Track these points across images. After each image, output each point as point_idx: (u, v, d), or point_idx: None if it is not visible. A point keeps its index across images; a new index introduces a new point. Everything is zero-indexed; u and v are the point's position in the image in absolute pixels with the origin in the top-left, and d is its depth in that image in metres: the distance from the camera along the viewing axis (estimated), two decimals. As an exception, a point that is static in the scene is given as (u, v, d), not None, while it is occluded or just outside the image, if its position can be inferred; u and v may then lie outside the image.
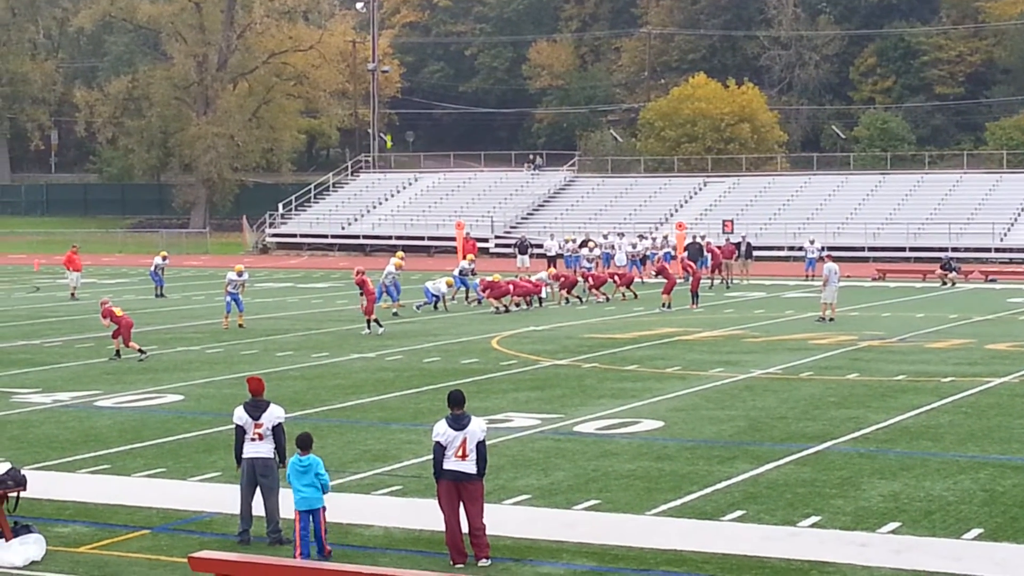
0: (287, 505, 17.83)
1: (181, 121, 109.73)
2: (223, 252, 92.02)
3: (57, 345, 39.72)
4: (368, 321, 41.92)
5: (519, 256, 68.33)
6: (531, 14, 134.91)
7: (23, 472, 17.76)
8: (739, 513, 18.79)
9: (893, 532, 17.78)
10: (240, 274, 44.28)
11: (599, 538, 17.73)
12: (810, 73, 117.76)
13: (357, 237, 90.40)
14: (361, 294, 42.74)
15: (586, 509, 19.23)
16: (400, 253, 56.37)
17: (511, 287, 49.43)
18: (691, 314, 47.46)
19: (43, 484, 19.75)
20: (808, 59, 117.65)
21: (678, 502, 19.49)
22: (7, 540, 17.09)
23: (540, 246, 71.11)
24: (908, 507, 18.97)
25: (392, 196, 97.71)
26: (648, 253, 65.08)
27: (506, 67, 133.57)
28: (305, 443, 17.28)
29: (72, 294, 55.94)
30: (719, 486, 20.38)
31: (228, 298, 43.87)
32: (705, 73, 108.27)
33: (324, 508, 17.17)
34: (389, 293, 48.13)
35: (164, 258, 58.83)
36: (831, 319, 43.81)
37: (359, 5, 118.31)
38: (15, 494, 17.44)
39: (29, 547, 17.01)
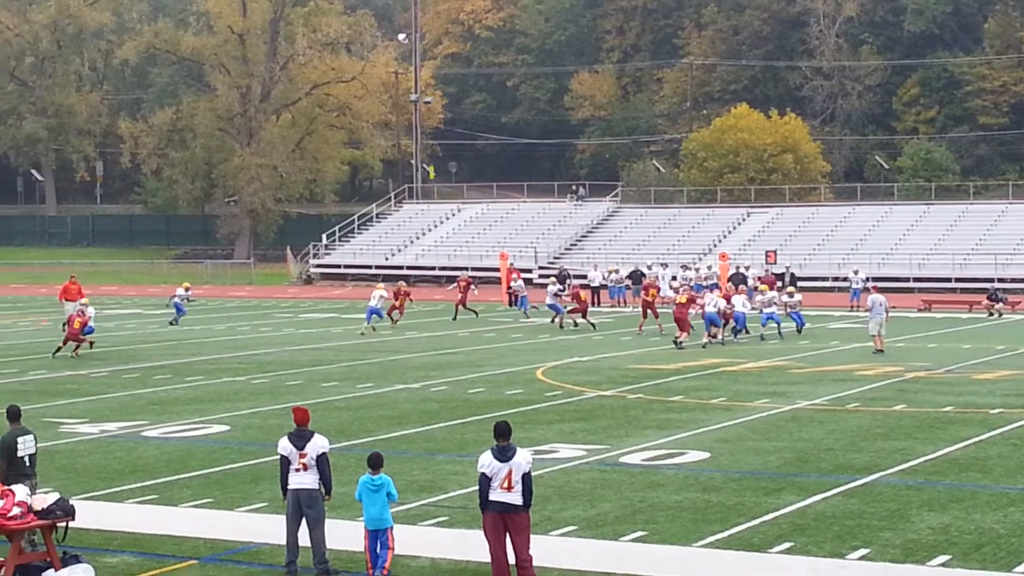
0: (335, 535, 17.86)
1: (225, 152, 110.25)
2: (267, 283, 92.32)
3: (103, 375, 39.87)
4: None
5: (558, 286, 68.24)
6: (573, 45, 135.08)
7: (71, 502, 17.82)
8: (787, 545, 18.68)
9: (943, 565, 17.63)
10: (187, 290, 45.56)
11: (647, 569, 17.65)
12: (853, 103, 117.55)
13: (401, 268, 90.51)
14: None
15: (633, 540, 19.16)
16: (380, 284, 59.91)
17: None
18: (736, 345, 47.31)
19: (91, 514, 19.78)
20: (851, 89, 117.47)
21: (725, 534, 19.39)
22: (56, 570, 17.13)
23: (584, 276, 71.10)
24: (958, 540, 18.83)
25: (435, 227, 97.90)
26: (692, 284, 64.92)
27: (548, 98, 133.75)
28: (376, 462, 17.35)
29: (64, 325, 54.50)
30: (766, 518, 20.27)
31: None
32: (747, 103, 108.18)
33: (392, 528, 17.25)
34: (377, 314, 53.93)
35: (187, 289, 59.45)
36: (873, 351, 43.55)
37: (401, 36, 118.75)
38: (64, 524, 17.47)
39: (78, 577, 17.06)
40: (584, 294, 56.50)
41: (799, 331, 50.87)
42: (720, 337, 47.72)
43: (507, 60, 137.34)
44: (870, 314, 44.45)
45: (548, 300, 56.73)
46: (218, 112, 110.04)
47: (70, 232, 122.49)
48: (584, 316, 54.91)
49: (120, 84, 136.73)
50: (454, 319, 58.85)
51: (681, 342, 46.21)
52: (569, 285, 57.77)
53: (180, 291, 58.76)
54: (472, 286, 62.97)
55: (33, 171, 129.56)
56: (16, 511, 17.02)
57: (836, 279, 75.47)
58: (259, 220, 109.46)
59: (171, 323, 56.98)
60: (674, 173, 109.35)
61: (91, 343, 45.33)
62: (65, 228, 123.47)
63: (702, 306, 48.27)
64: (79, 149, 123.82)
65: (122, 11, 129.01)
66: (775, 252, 76.52)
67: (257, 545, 19.17)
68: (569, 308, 55.42)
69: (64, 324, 52.88)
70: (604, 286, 68.79)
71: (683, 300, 47.91)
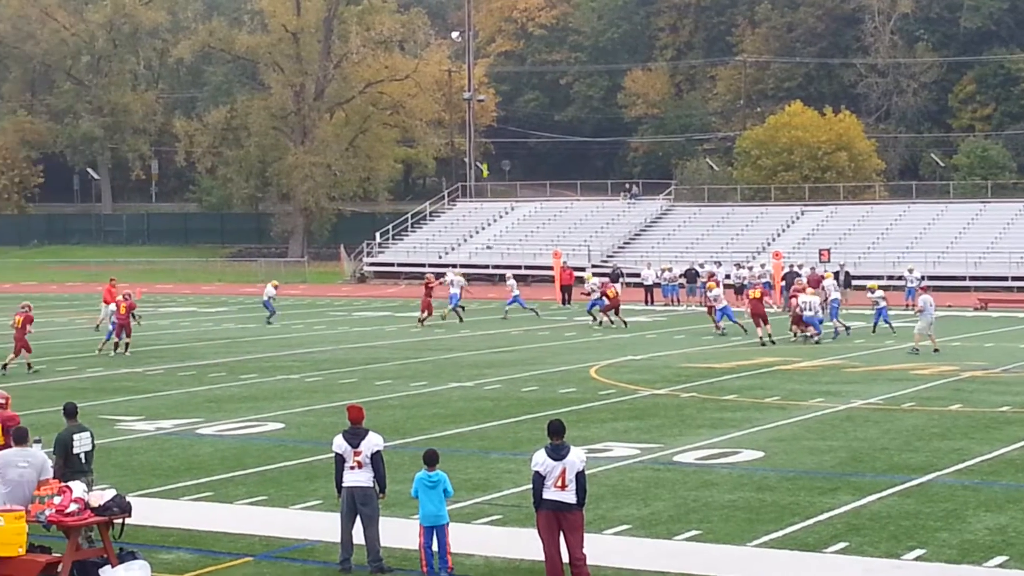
0: (389, 533, 17.91)
1: (279, 150, 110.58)
2: (321, 281, 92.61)
3: (159, 373, 40.10)
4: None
5: (612, 285, 68.21)
6: (626, 43, 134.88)
7: (128, 499, 17.93)
8: (842, 545, 18.61)
9: (1000, 566, 17.53)
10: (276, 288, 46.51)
11: (701, 568, 17.62)
12: (908, 101, 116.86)
13: (454, 266, 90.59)
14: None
15: (687, 539, 19.13)
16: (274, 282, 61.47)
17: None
18: (790, 344, 47.11)
19: (147, 511, 19.88)
20: (906, 87, 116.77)
21: (780, 533, 19.33)
22: (113, 566, 17.25)
23: (637, 275, 71.01)
24: (1016, 540, 18.70)
25: (489, 225, 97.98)
26: (745, 283, 64.69)
27: (601, 96, 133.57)
28: (432, 459, 17.45)
29: (97, 326, 53.86)
30: (821, 517, 20.19)
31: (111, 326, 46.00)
32: (801, 101, 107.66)
33: (448, 524, 17.31)
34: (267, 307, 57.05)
35: (275, 287, 59.56)
36: (931, 350, 43.25)
37: (455, 35, 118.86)
38: (120, 520, 17.59)
39: (134, 573, 17.15)
40: (612, 290, 56.19)
41: (892, 329, 50.40)
42: (814, 336, 47.38)
43: (560, 58, 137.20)
44: (921, 315, 44.17)
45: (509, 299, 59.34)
46: (272, 110, 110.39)
47: (125, 230, 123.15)
48: (616, 313, 54.79)
49: (175, 83, 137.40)
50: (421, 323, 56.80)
51: (767, 338, 46.53)
52: (600, 284, 57.47)
53: (269, 289, 58.98)
54: (434, 286, 59.33)
55: (89, 170, 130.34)
56: (73, 507, 17.14)
57: (891, 278, 74.98)
58: (313, 218, 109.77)
59: (268, 322, 57.12)
60: (727, 171, 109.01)
61: (127, 344, 45.28)
62: (120, 226, 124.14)
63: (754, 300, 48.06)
64: (134, 148, 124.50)
65: (177, 10, 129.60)
66: (829, 250, 76.15)
67: (311, 542, 19.25)
68: (603, 305, 55.27)
69: (97, 326, 53.38)
70: (657, 284, 68.65)
71: (756, 295, 47.90)
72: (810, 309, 47.37)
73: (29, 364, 40.45)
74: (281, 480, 23.65)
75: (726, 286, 61.85)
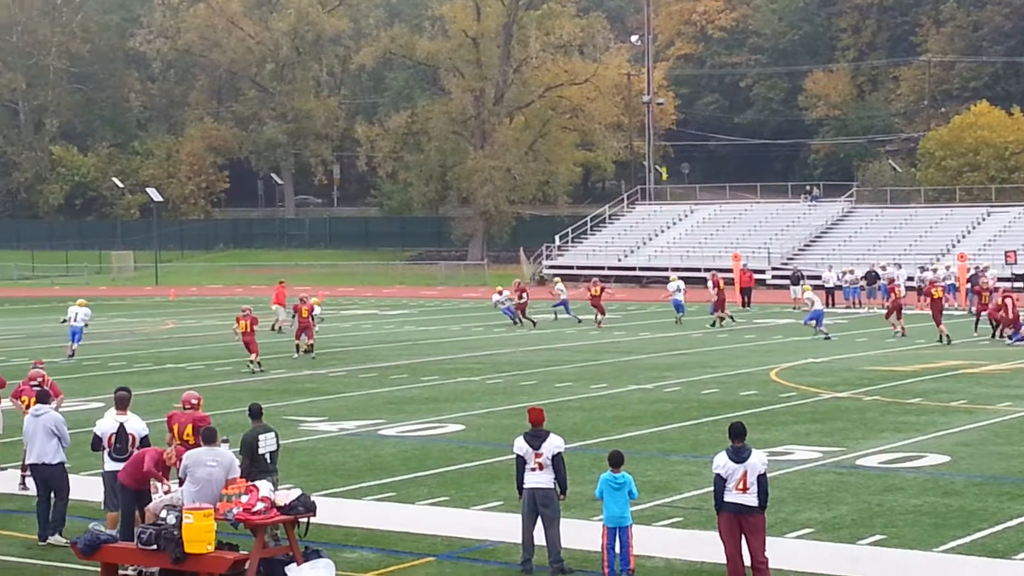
0: (570, 535, 17.95)
1: (459, 155, 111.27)
2: (501, 284, 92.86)
3: (341, 375, 40.61)
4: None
5: (792, 287, 67.76)
6: (807, 44, 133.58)
7: (312, 498, 18.19)
8: (1031, 551, 18.26)
9: None
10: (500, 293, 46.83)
11: (885, 574, 17.40)
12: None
13: (633, 269, 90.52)
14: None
15: (871, 544, 18.89)
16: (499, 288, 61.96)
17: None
18: (976, 347, 46.29)
19: (331, 510, 20.15)
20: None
21: (967, 539, 19.01)
22: (299, 564, 17.52)
23: (818, 277, 70.32)
24: None
25: (668, 228, 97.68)
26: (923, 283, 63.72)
27: (782, 98, 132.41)
28: (617, 460, 17.51)
29: (280, 328, 55.40)
30: (1010, 523, 19.81)
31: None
32: (988, 101, 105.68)
33: (631, 525, 17.32)
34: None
35: (500, 292, 59.98)
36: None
37: (634, 38, 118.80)
38: (305, 520, 17.87)
39: (319, 571, 17.40)
40: (596, 288, 57.46)
41: None
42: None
43: (740, 60, 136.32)
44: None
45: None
46: (452, 115, 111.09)
47: (308, 234, 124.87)
48: (721, 309, 56.92)
49: (357, 89, 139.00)
50: None
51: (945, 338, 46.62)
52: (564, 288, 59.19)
53: (496, 296, 59.70)
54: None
55: (273, 175, 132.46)
56: (260, 506, 17.44)
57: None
58: (492, 222, 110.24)
59: (518, 321, 57.67)
60: (911, 172, 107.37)
61: (310, 346, 45.98)
62: (303, 230, 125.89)
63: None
64: (317, 153, 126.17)
65: (359, 17, 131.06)
66: (1015, 252, 74.67)
67: (493, 543, 19.35)
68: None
69: (273, 327, 54.40)
70: (839, 287, 67.99)
71: (938, 294, 48.62)
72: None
73: (258, 363, 41.98)
74: (462, 481, 23.81)
75: (909, 288, 61.07)
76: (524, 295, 58.85)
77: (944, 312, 50.32)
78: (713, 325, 56.19)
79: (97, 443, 19.73)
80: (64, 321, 47.97)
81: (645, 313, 59.73)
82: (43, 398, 21.07)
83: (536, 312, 59.57)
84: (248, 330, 42.07)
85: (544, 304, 63.25)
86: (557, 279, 65.70)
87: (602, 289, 58.15)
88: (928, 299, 51.48)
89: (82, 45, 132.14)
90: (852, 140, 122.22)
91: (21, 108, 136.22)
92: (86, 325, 47.52)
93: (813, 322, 50.23)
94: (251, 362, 41.89)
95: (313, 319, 46.40)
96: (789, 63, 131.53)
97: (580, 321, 58.38)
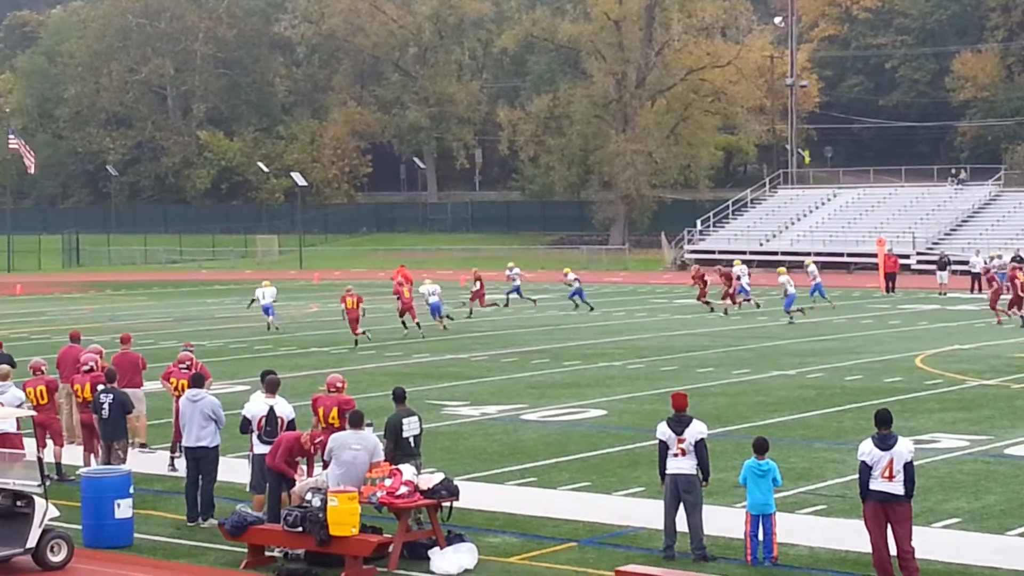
0: (712, 521, 17.90)
1: (600, 138, 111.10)
2: (642, 268, 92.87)
3: (483, 359, 40.77)
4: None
5: (939, 272, 66.81)
6: (955, 24, 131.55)
7: (455, 482, 18.31)
8: None
9: None
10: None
11: (1034, 565, 17.15)
12: None
13: (775, 253, 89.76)
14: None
15: (1021, 535, 18.62)
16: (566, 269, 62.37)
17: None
18: None
19: (473, 495, 20.24)
20: None
21: (1119, 530, 18.69)
22: (441, 548, 17.67)
23: (965, 262, 69.32)
24: None
25: (811, 212, 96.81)
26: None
27: (928, 80, 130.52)
28: (762, 447, 17.47)
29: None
30: None
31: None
32: None
33: (775, 513, 17.25)
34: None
35: (566, 274, 61.05)
36: None
37: (777, 20, 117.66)
38: (448, 504, 18.00)
39: (462, 555, 17.54)
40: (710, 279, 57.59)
41: None
42: None
43: (885, 42, 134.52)
44: None
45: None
46: (594, 99, 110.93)
47: (450, 218, 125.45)
48: (727, 298, 56.43)
49: (499, 72, 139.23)
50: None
51: None
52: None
53: (571, 275, 60.38)
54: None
55: (415, 159, 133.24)
56: (403, 490, 17.61)
57: None
58: (634, 206, 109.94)
59: (591, 309, 57.86)
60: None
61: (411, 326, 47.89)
62: (445, 215, 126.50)
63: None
64: (459, 137, 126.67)
65: (501, 1, 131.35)
66: None
67: (635, 529, 19.34)
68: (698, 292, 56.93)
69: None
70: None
71: None
72: None
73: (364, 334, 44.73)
74: (604, 466, 23.82)
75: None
76: (479, 283, 58.45)
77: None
78: (725, 312, 55.62)
79: (246, 425, 20.02)
80: (252, 302, 52.62)
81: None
82: (197, 382, 21.38)
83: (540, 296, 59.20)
84: (354, 306, 44.83)
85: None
86: (511, 264, 64.85)
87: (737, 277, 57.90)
88: None
89: (228, 31, 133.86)
90: (1000, 122, 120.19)
91: (169, 94, 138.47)
92: (275, 301, 51.75)
93: (806, 305, 50.31)
94: (361, 334, 44.54)
95: (362, 312, 46.21)
96: (936, 44, 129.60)
97: (535, 303, 60.11)
